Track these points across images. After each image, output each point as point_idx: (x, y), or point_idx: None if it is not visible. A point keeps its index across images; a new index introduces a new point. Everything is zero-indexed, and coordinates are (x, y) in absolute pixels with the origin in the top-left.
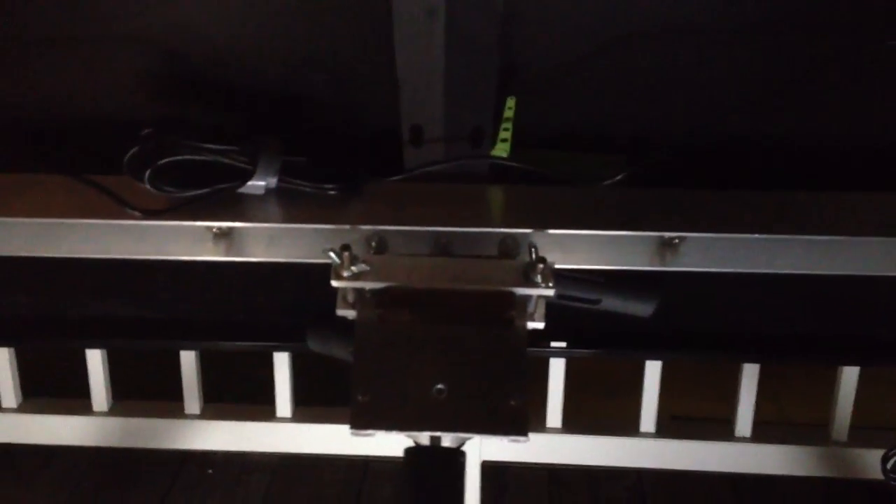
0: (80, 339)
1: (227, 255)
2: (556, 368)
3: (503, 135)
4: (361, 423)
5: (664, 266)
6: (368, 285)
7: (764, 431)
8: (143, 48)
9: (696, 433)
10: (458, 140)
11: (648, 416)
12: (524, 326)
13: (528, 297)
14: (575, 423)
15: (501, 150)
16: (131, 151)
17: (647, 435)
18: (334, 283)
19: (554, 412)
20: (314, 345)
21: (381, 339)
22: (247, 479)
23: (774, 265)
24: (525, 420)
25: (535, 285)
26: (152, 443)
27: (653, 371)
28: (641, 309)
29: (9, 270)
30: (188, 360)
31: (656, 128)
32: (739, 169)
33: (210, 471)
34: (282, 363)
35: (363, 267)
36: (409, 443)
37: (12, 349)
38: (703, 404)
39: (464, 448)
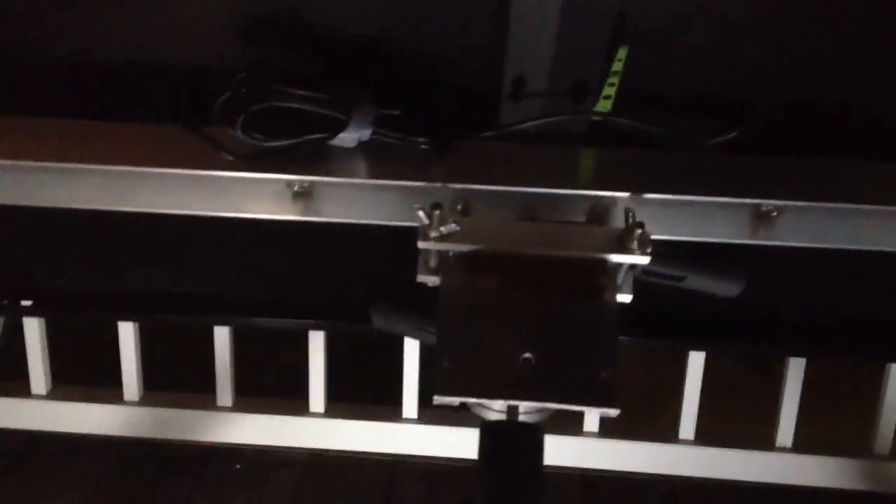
0: (114, 312)
1: (305, 215)
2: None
3: (608, 90)
4: (447, 389)
5: (758, 240)
6: (457, 247)
7: (805, 442)
8: None
9: (735, 442)
10: (560, 95)
11: (688, 420)
12: (615, 297)
13: (620, 266)
14: (613, 427)
15: (604, 106)
16: (223, 96)
17: (685, 442)
18: (421, 245)
19: (592, 414)
20: (379, 321)
21: (465, 306)
22: (275, 475)
23: (880, 241)
24: (615, 392)
25: (631, 252)
26: (182, 434)
27: (696, 366)
28: (728, 288)
29: (50, 228)
30: (222, 347)
31: (766, 91)
32: (849, 137)
33: (238, 466)
34: (317, 345)
35: (453, 227)
36: (485, 418)
37: (44, 336)
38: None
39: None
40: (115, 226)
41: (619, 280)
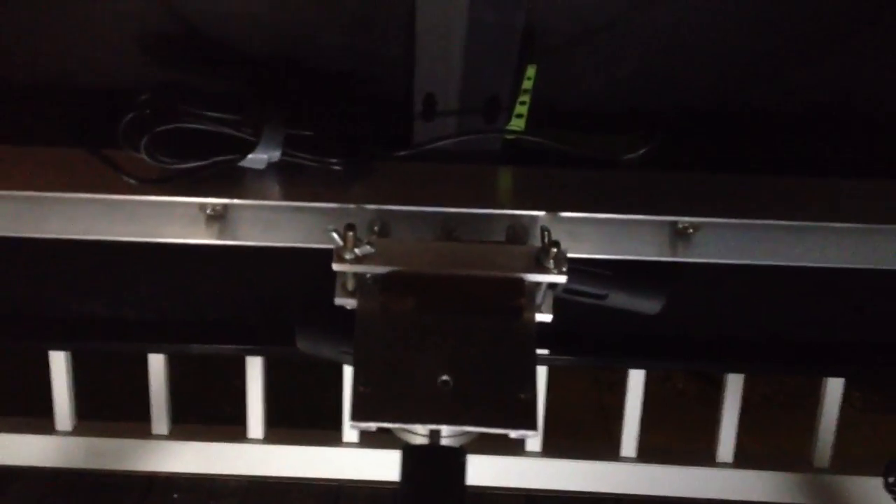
0: (44, 340)
1: (220, 238)
2: (539, 379)
3: (519, 109)
4: (362, 415)
5: (676, 256)
6: (372, 270)
7: (746, 458)
8: (141, 8)
9: (677, 459)
10: (472, 113)
11: (630, 438)
12: (533, 316)
13: (538, 286)
14: (556, 446)
15: (516, 125)
16: (127, 117)
17: (627, 460)
18: (336, 267)
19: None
20: (304, 344)
21: (383, 328)
22: (214, 502)
23: (796, 256)
24: (534, 414)
25: (548, 271)
26: (117, 464)
27: (636, 383)
28: (649, 306)
29: None
30: (157, 373)
31: (680, 103)
32: (767, 149)
33: (175, 496)
34: (255, 371)
35: (367, 249)
36: (408, 441)
37: None
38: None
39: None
40: (43, 251)
41: (539, 299)
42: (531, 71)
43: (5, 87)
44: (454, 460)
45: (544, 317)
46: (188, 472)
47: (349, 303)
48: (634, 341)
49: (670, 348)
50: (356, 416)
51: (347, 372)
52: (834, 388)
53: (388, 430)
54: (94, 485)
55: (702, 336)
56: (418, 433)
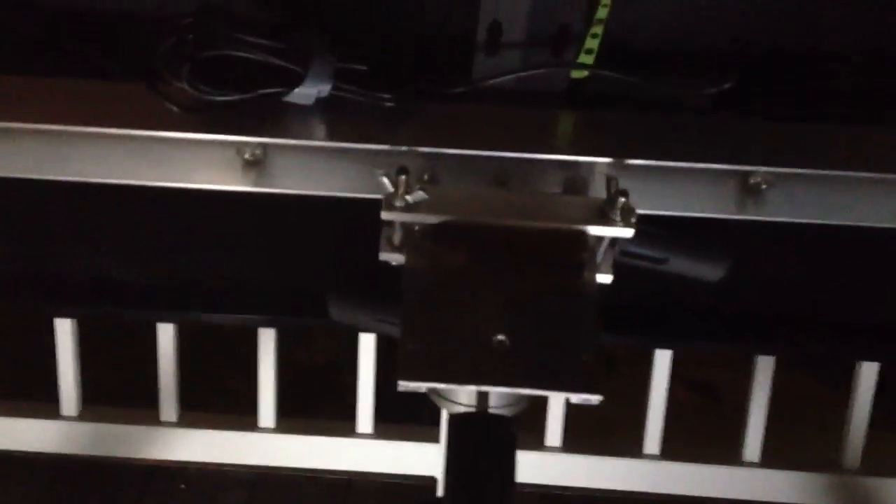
0: (50, 304)
1: (258, 185)
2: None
3: (589, 43)
4: (411, 374)
5: (745, 215)
6: (424, 219)
7: (773, 457)
8: None
9: (702, 457)
10: (539, 45)
11: (654, 433)
12: (595, 273)
13: (600, 240)
14: (575, 442)
15: (585, 60)
16: (167, 43)
17: (650, 457)
18: (385, 216)
19: (554, 425)
20: (337, 312)
21: (433, 284)
22: (222, 496)
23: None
24: (595, 378)
25: (613, 224)
26: (124, 451)
27: (662, 368)
28: (711, 271)
29: None
30: (166, 352)
31: (766, 46)
32: (853, 98)
33: (183, 486)
34: (267, 348)
35: (420, 195)
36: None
37: None
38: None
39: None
40: (46, 204)
41: (600, 256)
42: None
43: (36, 11)
44: (505, 430)
45: (604, 277)
46: (196, 461)
47: (395, 258)
48: (662, 321)
49: (702, 325)
50: (404, 376)
51: (365, 361)
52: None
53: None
54: (97, 472)
55: (734, 311)
56: (464, 402)
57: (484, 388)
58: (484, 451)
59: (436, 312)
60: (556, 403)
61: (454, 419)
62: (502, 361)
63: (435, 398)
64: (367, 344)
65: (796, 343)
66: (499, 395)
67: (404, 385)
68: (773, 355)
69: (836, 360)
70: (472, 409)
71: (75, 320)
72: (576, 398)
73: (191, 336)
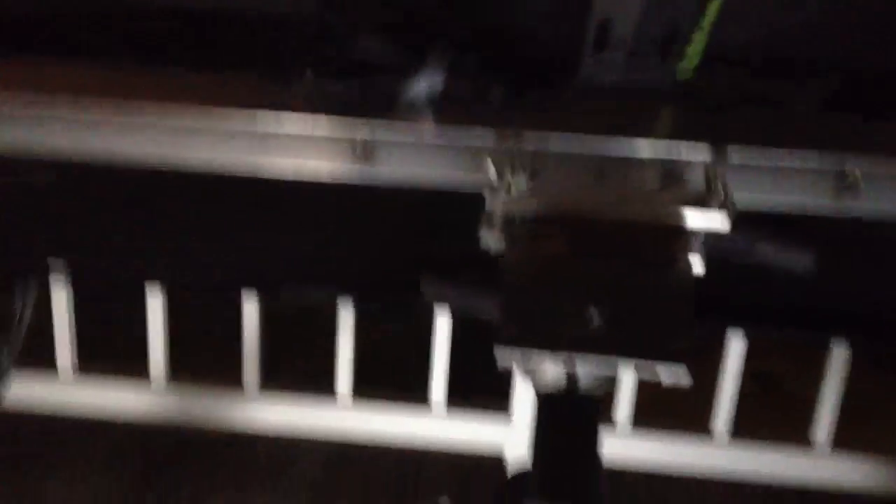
0: (141, 277)
1: (366, 176)
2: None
3: (697, 43)
4: (509, 341)
5: (840, 209)
6: (527, 209)
7: (843, 442)
8: None
9: (768, 439)
10: (647, 45)
11: (723, 417)
12: (691, 263)
13: (696, 233)
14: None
15: (690, 63)
16: (292, 37)
17: (716, 440)
18: (489, 206)
19: (624, 404)
20: (430, 292)
21: (531, 272)
22: (297, 464)
23: None
24: (686, 357)
25: (712, 216)
26: (206, 419)
27: (735, 352)
28: (799, 261)
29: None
30: (250, 328)
31: (869, 48)
32: None
33: (262, 454)
34: (346, 324)
35: (522, 185)
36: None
37: (71, 316)
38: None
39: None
40: (145, 187)
41: (696, 247)
42: (716, 3)
43: (171, 7)
44: (590, 409)
45: (698, 264)
46: (274, 431)
47: (495, 242)
48: (739, 306)
49: (784, 313)
50: (502, 342)
51: (440, 341)
52: None
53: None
54: (181, 439)
55: (814, 304)
56: (554, 381)
57: (577, 358)
58: (571, 429)
59: (534, 291)
60: (627, 385)
61: (541, 397)
62: (596, 344)
63: (526, 378)
64: (442, 325)
65: (872, 336)
66: (586, 376)
67: (501, 355)
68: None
69: None
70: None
71: (165, 297)
72: (666, 375)
73: (273, 314)
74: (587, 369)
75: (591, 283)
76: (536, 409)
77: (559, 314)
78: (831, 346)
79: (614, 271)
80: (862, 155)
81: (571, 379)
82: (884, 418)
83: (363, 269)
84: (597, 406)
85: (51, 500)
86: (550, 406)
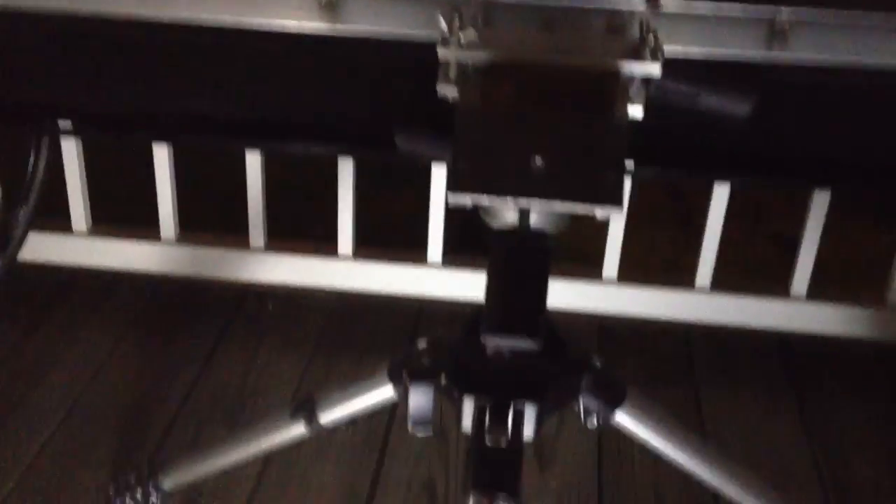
0: (146, 133)
1: (331, 22)
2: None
3: None
4: (459, 188)
5: (771, 55)
6: (475, 56)
7: (821, 291)
8: None
9: (752, 289)
10: None
11: (705, 267)
12: (626, 108)
13: (634, 77)
14: (630, 273)
15: None
16: None
17: (701, 289)
18: (441, 53)
19: (612, 257)
20: (402, 141)
21: (482, 115)
22: (305, 315)
23: None
24: (621, 192)
25: (644, 61)
26: (216, 273)
27: (720, 200)
28: (739, 106)
29: (76, 42)
30: (254, 180)
31: None
32: None
33: (271, 306)
34: (346, 176)
35: (472, 35)
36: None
37: (83, 171)
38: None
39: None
40: (146, 44)
41: (633, 92)
42: None
43: None
44: (541, 244)
45: (636, 111)
46: (280, 283)
47: (450, 91)
48: (722, 154)
49: (759, 162)
50: (452, 188)
51: (436, 194)
52: None
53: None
54: (194, 292)
55: (792, 150)
56: (507, 220)
57: (521, 201)
58: (521, 262)
59: (483, 139)
60: (613, 238)
61: (496, 234)
62: (539, 179)
63: (485, 217)
64: (438, 176)
65: (848, 179)
66: (538, 214)
67: (452, 198)
68: (826, 188)
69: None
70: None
71: (171, 148)
72: (600, 212)
73: (277, 170)
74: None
75: (534, 130)
76: (491, 247)
77: (505, 160)
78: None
79: (556, 118)
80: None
81: (524, 216)
82: (861, 268)
83: (343, 123)
84: (548, 243)
85: (68, 355)
86: (503, 243)
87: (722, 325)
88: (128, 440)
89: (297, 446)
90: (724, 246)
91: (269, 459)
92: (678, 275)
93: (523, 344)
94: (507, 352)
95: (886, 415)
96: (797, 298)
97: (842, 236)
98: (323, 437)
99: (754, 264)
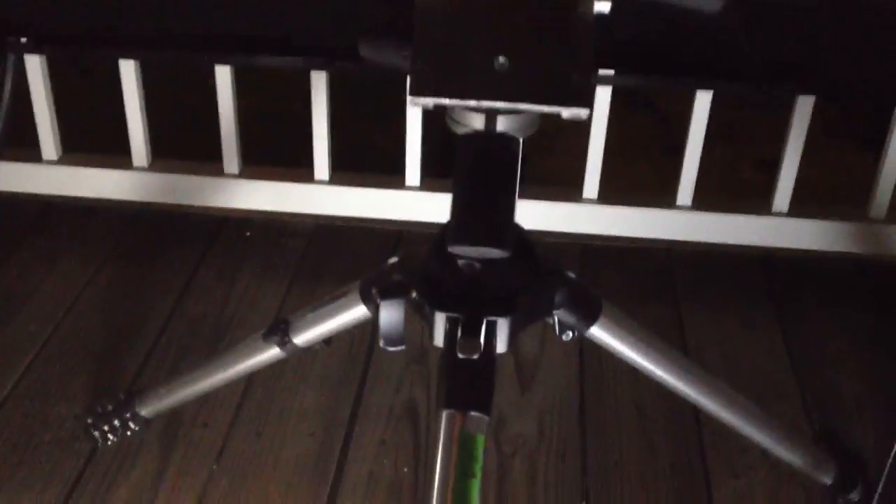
0: (113, 48)
1: None
2: (601, 103)
3: None
4: (421, 90)
5: None
6: None
7: (801, 206)
8: None
9: (733, 207)
10: None
11: (686, 185)
12: (591, 5)
13: None
14: (610, 193)
15: None
16: None
17: (682, 208)
18: None
19: (592, 178)
20: (366, 50)
21: (442, 13)
22: (284, 242)
23: None
24: (589, 93)
25: None
26: (190, 200)
27: (702, 107)
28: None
29: None
30: (225, 100)
31: None
32: None
33: (248, 233)
34: (319, 89)
35: None
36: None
37: (50, 96)
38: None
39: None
40: None
41: None
42: None
43: None
44: (508, 148)
45: (602, 5)
46: (258, 210)
47: None
48: (701, 62)
49: (739, 69)
50: (415, 92)
51: (413, 117)
52: None
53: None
54: (170, 221)
55: (773, 58)
56: (474, 124)
57: (485, 103)
58: (487, 167)
59: (444, 38)
60: (593, 157)
61: (462, 138)
62: (503, 80)
63: (450, 125)
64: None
65: (830, 85)
66: (505, 118)
67: (414, 100)
68: (807, 94)
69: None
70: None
71: (139, 64)
72: (567, 113)
73: (249, 94)
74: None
75: (496, 29)
76: (457, 152)
77: (467, 60)
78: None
79: (519, 16)
80: None
81: (490, 118)
82: (844, 188)
83: (311, 34)
84: (516, 148)
85: (43, 287)
86: (468, 147)
87: (703, 244)
88: (105, 371)
89: (277, 374)
90: (708, 170)
91: (249, 387)
92: (660, 195)
93: (491, 253)
94: (479, 265)
95: (867, 329)
96: (779, 214)
97: (825, 157)
98: (303, 365)
99: (739, 189)
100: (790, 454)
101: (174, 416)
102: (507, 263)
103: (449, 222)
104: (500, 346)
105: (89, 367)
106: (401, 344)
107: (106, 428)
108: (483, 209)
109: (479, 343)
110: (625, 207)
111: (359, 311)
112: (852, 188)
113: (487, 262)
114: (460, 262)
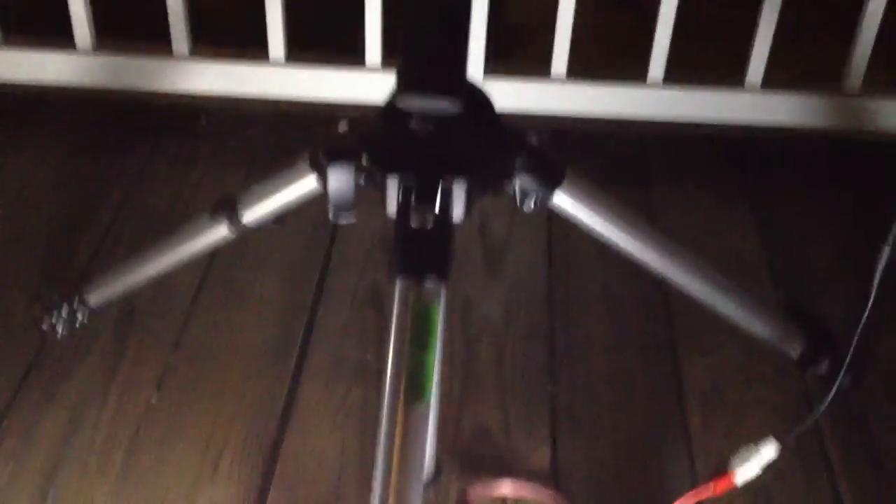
0: None
1: None
2: None
3: None
4: None
5: None
6: None
7: (776, 81)
8: None
9: (706, 82)
10: None
11: (657, 61)
12: None
13: None
14: (580, 70)
15: None
16: None
17: (654, 84)
18: None
19: (560, 54)
20: None
21: None
22: (240, 127)
23: None
24: None
25: None
26: (139, 83)
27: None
28: None
29: None
30: None
31: None
32: None
33: (203, 119)
34: None
35: None
36: None
37: None
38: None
39: None
40: None
41: None
42: None
43: None
44: None
45: None
46: (211, 94)
47: None
48: None
49: None
50: None
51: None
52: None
53: None
54: (120, 107)
55: None
56: None
57: None
58: (436, 9)
59: None
60: (562, 30)
61: None
62: None
63: None
64: None
65: None
66: None
67: None
68: None
69: None
70: None
71: None
72: None
73: None
74: None
75: None
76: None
77: None
78: None
79: None
80: None
81: None
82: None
83: None
84: None
85: None
86: None
87: (675, 121)
88: (55, 261)
89: (236, 262)
90: (681, 44)
91: (206, 276)
92: (632, 69)
93: (440, 105)
94: (432, 126)
95: (838, 204)
96: (752, 89)
97: (799, 37)
98: (263, 252)
99: (713, 65)
100: (758, 326)
101: (127, 307)
102: (464, 124)
103: (396, 71)
104: (457, 213)
105: (40, 257)
106: (352, 214)
107: (53, 320)
108: (432, 55)
109: (434, 207)
110: (595, 84)
111: (309, 183)
112: (831, 66)
113: (441, 122)
114: (412, 123)
